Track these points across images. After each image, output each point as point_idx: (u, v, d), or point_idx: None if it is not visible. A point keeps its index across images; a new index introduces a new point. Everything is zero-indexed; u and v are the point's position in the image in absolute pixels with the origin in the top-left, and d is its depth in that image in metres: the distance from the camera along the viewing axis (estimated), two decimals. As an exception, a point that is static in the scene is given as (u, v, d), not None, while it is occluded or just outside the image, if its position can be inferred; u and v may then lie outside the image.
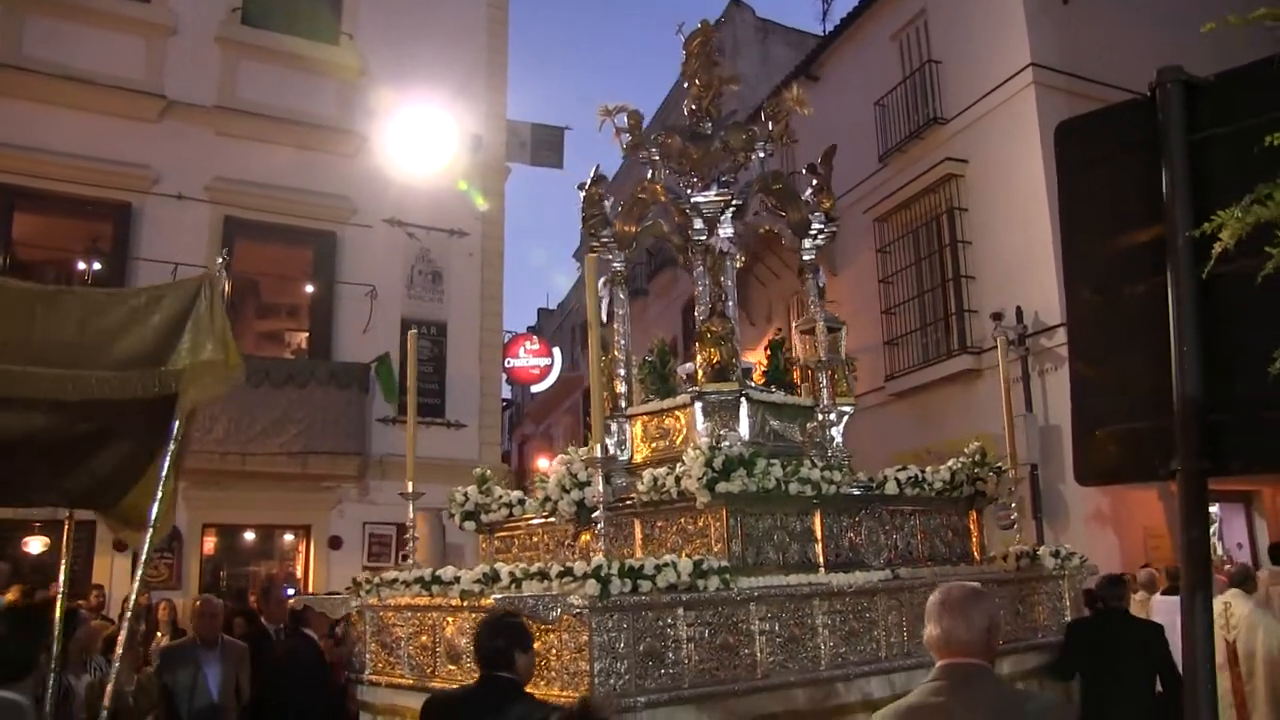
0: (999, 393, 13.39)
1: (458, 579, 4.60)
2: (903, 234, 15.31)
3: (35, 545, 13.00)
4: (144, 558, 4.30)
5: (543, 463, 28.91)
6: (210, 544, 13.89)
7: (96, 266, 14.15)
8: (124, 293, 4.38)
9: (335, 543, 13.85)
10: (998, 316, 13.30)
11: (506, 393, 21.93)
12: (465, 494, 5.61)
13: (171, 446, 4.13)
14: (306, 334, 14.68)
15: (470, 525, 5.59)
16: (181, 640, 6.92)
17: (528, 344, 18.94)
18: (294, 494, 13.74)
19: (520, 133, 15.64)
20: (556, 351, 20.29)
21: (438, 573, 4.76)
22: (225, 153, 13.91)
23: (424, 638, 4.80)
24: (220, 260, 4.53)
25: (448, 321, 14.61)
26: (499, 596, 4.27)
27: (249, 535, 14.23)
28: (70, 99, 13.17)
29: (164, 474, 4.14)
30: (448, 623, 4.64)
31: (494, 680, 3.61)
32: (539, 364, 18.74)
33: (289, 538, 14.46)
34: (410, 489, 5.31)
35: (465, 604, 4.54)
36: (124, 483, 4.25)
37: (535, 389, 22.70)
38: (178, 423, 4.11)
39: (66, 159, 13.04)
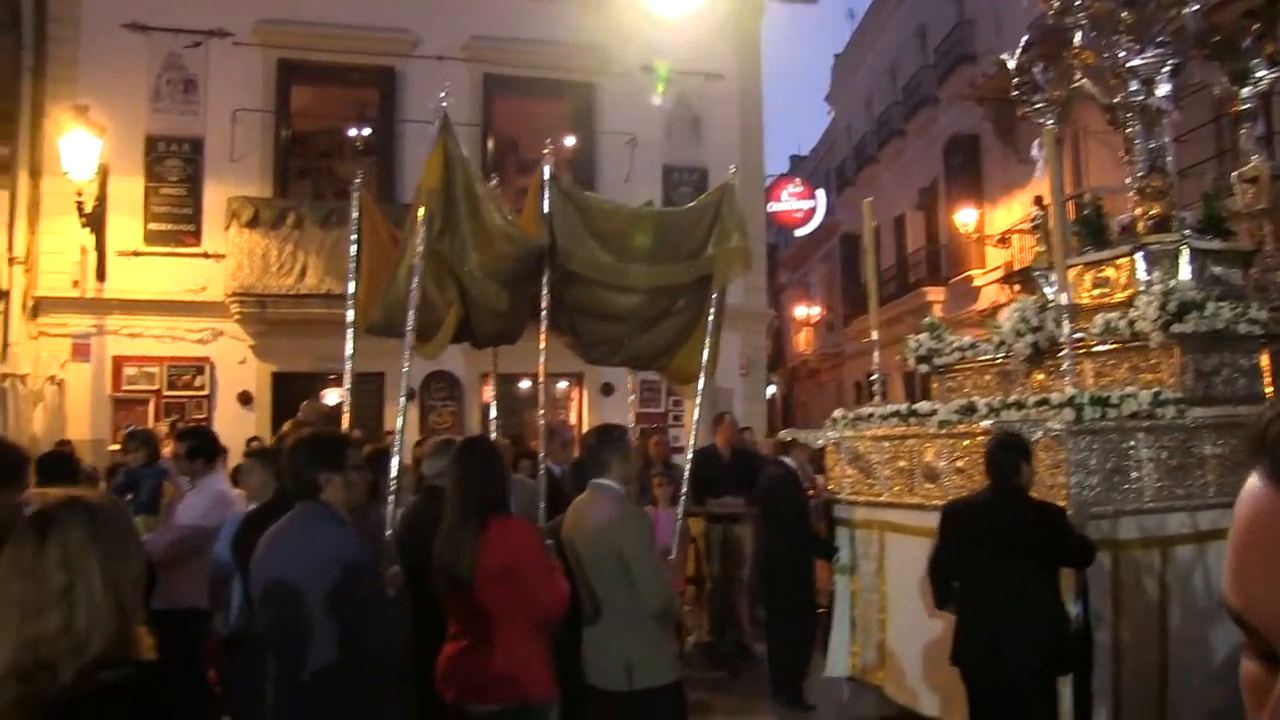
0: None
1: (934, 411, 5.86)
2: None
3: (331, 397, 15.17)
4: (698, 403, 5.82)
5: (800, 310, 30.21)
6: (488, 392, 15.69)
7: (366, 132, 15.86)
8: (683, 209, 5.98)
9: (607, 390, 15.47)
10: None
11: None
12: (919, 340, 6.81)
13: (711, 313, 5.61)
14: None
15: (924, 368, 6.81)
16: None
17: (790, 187, 19.85)
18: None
19: (773, -30, 16.23)
20: (820, 194, 21.10)
21: (914, 407, 6.05)
22: (481, 11, 15.10)
23: (901, 462, 6.13)
24: (732, 170, 5.99)
25: (708, 168, 15.70)
26: (990, 423, 5.51)
27: (524, 384, 15.91)
28: (330, -32, 14.55)
29: (708, 335, 5.62)
30: (926, 449, 5.94)
31: (1003, 486, 4.86)
32: (802, 206, 19.67)
33: (562, 385, 16.18)
34: (875, 336, 6.61)
35: (943, 432, 5.81)
36: (674, 348, 5.80)
37: (798, 232, 23.68)
38: (716, 295, 5.62)
39: (333, 29, 14.54)
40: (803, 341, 31.63)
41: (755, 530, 9.35)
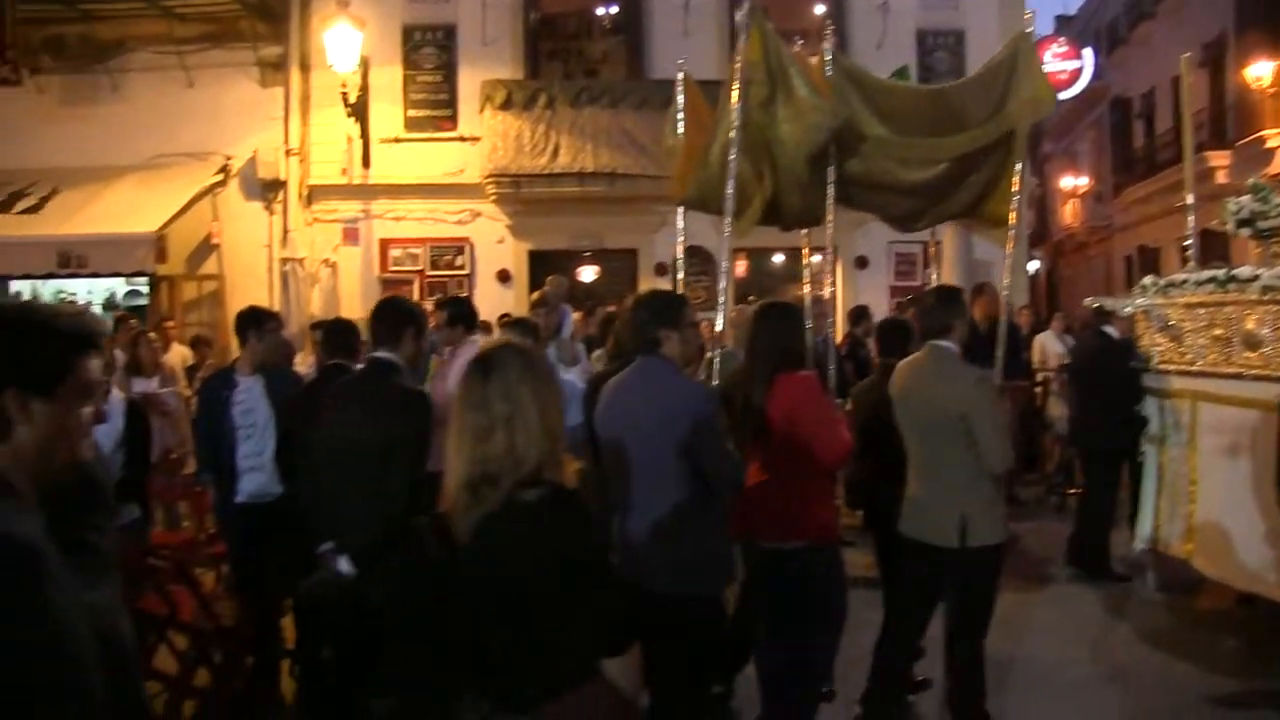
0: None
1: (1257, 276, 5.58)
2: None
3: (588, 274, 15.72)
4: (1008, 263, 5.89)
5: (1066, 181, 28.72)
6: (741, 267, 15.74)
7: (614, 10, 16.02)
8: (971, 78, 6.02)
9: (861, 263, 15.27)
10: None
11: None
12: (1240, 203, 6.46)
13: (1018, 163, 5.63)
14: (816, 58, 15.72)
15: (1245, 232, 6.48)
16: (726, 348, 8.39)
17: (1055, 46, 18.70)
18: (818, 217, 15.29)
19: None
20: (1087, 53, 19.78)
21: (1233, 272, 5.78)
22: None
23: (1217, 330, 5.89)
24: (1027, 15, 5.90)
25: (965, 30, 15.02)
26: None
27: (777, 258, 15.86)
28: None
29: (1016, 178, 5.67)
30: (1247, 316, 5.68)
31: None
32: (1067, 67, 18.50)
33: (816, 259, 16.08)
34: (1190, 200, 6.35)
35: (1267, 299, 5.53)
36: (984, 198, 5.96)
37: (1063, 96, 22.42)
38: (1018, 145, 5.61)
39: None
40: (1069, 214, 29.84)
41: (1012, 403, 9.25)
